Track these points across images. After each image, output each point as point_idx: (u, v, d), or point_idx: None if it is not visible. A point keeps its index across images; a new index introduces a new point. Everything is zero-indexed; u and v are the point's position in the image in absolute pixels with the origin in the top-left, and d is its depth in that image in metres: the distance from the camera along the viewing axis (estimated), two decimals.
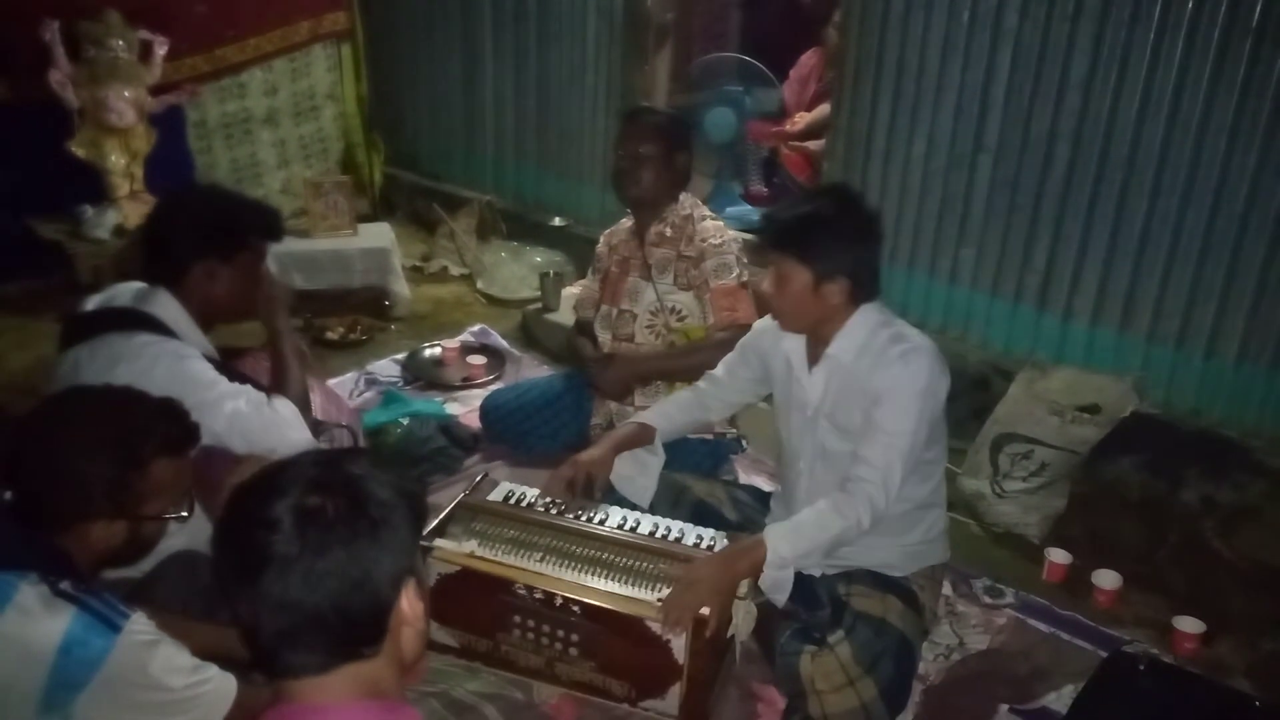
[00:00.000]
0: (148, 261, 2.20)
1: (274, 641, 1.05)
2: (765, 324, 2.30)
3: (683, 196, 2.88)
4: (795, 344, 2.19)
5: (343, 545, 1.04)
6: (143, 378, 1.81)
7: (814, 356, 2.15)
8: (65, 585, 1.42)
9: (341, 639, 1.06)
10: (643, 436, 2.39)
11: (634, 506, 2.34)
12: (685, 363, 2.67)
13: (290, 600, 1.03)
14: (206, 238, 2.16)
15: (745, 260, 2.81)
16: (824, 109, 4.42)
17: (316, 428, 2.37)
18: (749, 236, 3.04)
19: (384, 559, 1.07)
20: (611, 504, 2.31)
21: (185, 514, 1.67)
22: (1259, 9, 2.74)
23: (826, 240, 2.01)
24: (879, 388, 2.01)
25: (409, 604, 1.11)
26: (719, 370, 2.42)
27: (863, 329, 2.07)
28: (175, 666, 1.45)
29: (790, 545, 1.97)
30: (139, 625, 1.43)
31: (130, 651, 1.41)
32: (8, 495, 1.54)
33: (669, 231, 2.84)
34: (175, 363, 2.02)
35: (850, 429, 2.09)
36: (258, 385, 2.21)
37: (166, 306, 2.13)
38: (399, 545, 1.09)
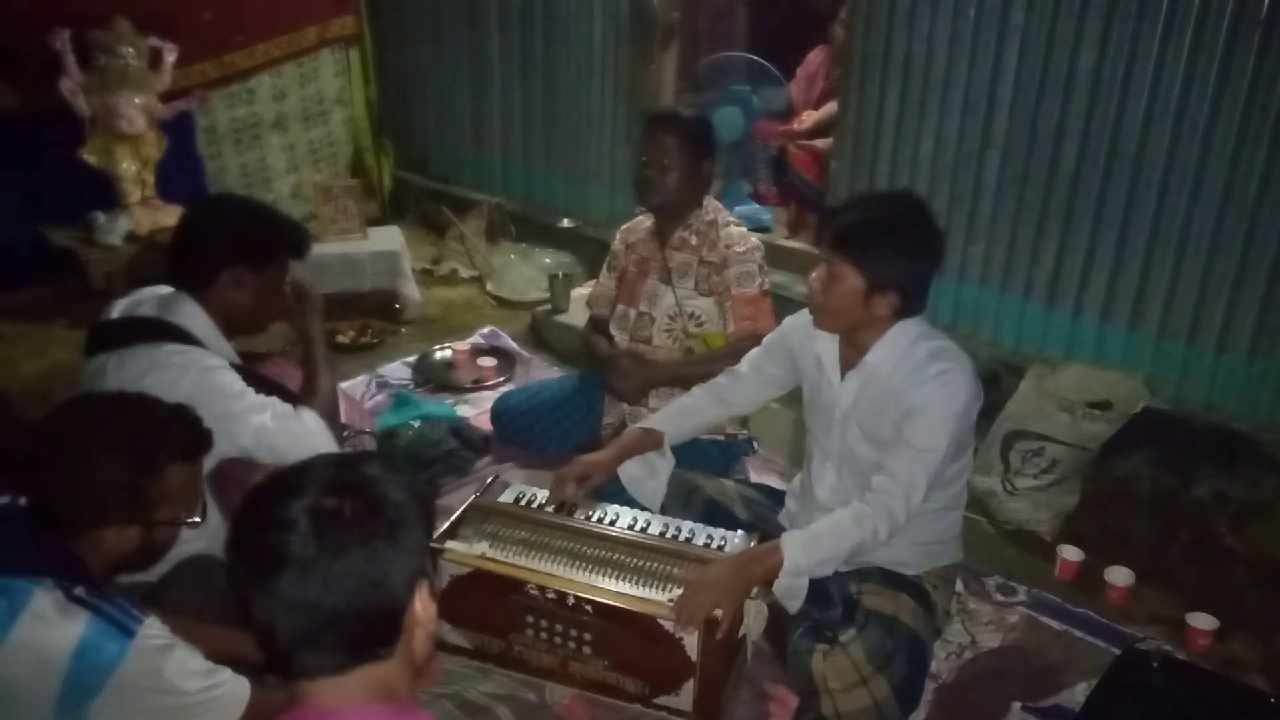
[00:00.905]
0: (174, 265, 2.20)
1: (291, 643, 1.06)
2: (795, 321, 2.28)
3: (706, 201, 2.85)
4: (827, 345, 2.16)
5: (360, 546, 1.05)
6: (171, 388, 1.81)
7: (847, 361, 2.12)
8: (79, 591, 1.43)
9: (358, 640, 1.07)
10: (650, 442, 2.38)
11: (644, 508, 2.34)
12: (704, 371, 2.63)
13: (308, 601, 1.04)
14: (239, 245, 2.16)
15: (767, 268, 2.81)
16: (831, 107, 4.41)
17: (341, 431, 2.37)
18: (765, 235, 3.02)
19: (400, 560, 1.08)
20: (622, 505, 2.31)
21: (198, 519, 1.67)
22: (1267, 1, 2.73)
23: (888, 253, 1.96)
24: (913, 403, 1.99)
25: (422, 605, 1.12)
26: (743, 366, 2.40)
27: (903, 340, 2.04)
28: (189, 670, 1.46)
29: (807, 554, 1.96)
30: (152, 630, 1.44)
31: (144, 656, 1.41)
32: (22, 501, 1.55)
33: (694, 239, 2.82)
34: (202, 374, 2.03)
35: (879, 438, 2.06)
36: (284, 390, 2.22)
37: (192, 315, 2.13)
38: (414, 546, 1.10)
